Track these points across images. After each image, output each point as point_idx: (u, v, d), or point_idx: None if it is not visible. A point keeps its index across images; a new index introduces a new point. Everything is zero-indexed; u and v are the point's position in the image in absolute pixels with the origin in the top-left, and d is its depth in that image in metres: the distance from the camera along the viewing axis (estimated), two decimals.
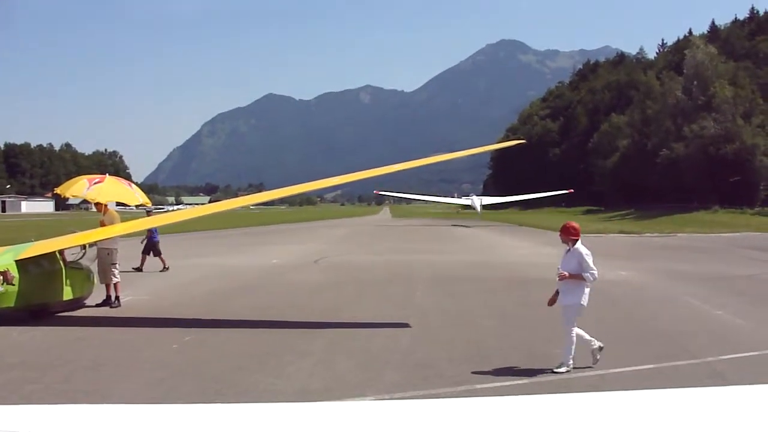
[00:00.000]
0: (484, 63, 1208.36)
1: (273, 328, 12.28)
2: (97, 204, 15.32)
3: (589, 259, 9.34)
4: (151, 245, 22.49)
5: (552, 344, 10.42)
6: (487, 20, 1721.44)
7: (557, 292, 9.51)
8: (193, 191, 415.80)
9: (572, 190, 79.60)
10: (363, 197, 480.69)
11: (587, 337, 9.34)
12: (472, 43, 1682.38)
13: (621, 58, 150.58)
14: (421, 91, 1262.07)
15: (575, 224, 9.76)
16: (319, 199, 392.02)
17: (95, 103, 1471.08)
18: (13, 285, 12.21)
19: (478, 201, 76.50)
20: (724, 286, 18.24)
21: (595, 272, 9.40)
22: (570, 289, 9.37)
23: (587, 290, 9.40)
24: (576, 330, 9.25)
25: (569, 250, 9.54)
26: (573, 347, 9.15)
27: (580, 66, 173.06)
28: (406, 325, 12.14)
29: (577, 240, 9.50)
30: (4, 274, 12.06)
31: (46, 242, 13.90)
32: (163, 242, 22.62)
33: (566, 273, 9.30)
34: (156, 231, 22.75)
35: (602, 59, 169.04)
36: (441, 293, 16.82)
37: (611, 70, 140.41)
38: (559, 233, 9.75)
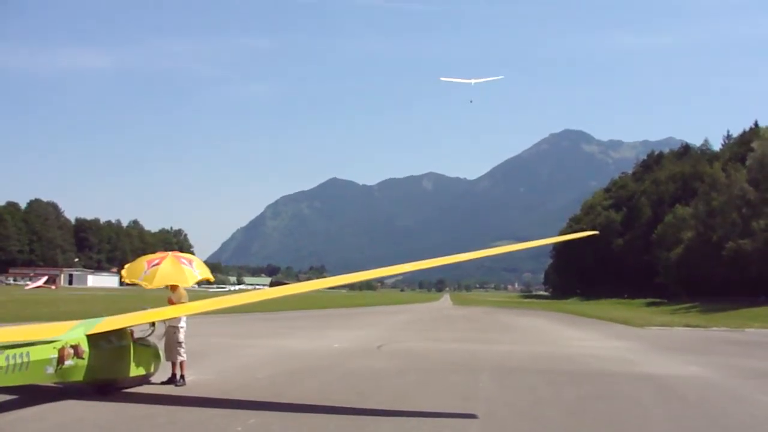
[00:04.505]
0: (547, 152, 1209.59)
1: (337, 414, 12.14)
2: None
3: None
4: None
5: None
6: (551, 110, 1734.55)
7: None
8: (255, 272, 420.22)
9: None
10: (423, 283, 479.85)
11: None
12: (536, 132, 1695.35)
13: (685, 149, 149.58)
14: (484, 179, 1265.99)
15: None
16: (379, 284, 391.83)
17: (163, 183, 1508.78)
18: (83, 359, 12.35)
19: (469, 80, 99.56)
20: None
21: None
22: None
23: None
24: None
25: None
26: None
27: (644, 157, 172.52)
28: (473, 416, 11.92)
29: None
30: (75, 348, 12.20)
31: (116, 318, 14.07)
32: (227, 322, 22.66)
33: None
34: None
35: (666, 150, 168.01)
36: (506, 384, 16.51)
37: (675, 162, 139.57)
38: None
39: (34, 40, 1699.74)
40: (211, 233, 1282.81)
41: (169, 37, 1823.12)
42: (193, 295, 16.25)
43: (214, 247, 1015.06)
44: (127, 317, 14.17)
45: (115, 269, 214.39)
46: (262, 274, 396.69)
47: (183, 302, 15.02)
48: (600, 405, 13.55)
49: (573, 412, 12.85)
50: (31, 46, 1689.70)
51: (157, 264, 15.13)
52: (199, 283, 17.47)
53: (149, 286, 14.92)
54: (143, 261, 15.58)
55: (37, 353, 11.51)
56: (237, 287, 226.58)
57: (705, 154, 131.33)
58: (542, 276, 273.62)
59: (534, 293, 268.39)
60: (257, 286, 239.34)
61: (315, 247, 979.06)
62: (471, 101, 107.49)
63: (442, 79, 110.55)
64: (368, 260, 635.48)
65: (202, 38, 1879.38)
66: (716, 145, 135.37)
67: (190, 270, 15.45)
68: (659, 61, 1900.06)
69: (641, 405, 13.80)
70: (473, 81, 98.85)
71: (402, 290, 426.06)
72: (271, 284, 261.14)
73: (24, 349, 11.34)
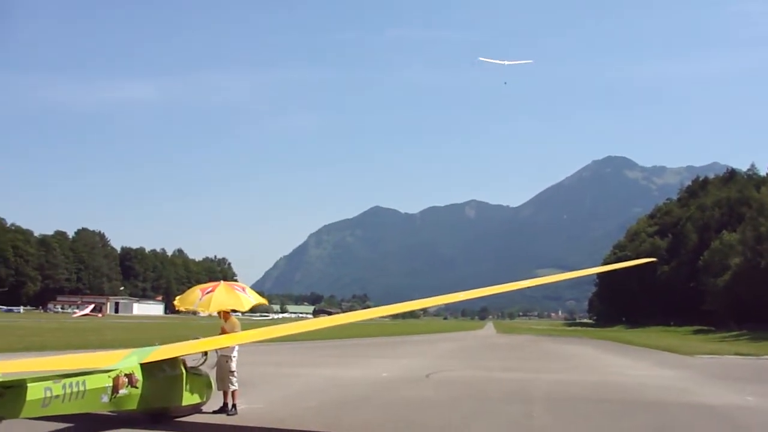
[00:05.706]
0: (589, 179, 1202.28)
1: None
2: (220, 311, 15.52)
3: None
4: None
5: None
6: (594, 137, 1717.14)
7: None
8: (298, 300, 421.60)
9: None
10: (466, 311, 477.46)
11: None
12: (578, 159, 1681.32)
13: (731, 174, 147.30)
14: (527, 206, 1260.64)
15: None
16: (422, 312, 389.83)
17: (207, 212, 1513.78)
18: (137, 388, 12.39)
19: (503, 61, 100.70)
20: None
21: None
22: None
23: None
24: None
25: None
26: None
27: (689, 182, 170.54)
28: None
29: None
30: (129, 376, 12.25)
31: (170, 347, 14.10)
32: (274, 350, 22.67)
33: None
34: None
35: (711, 175, 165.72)
36: (560, 413, 16.28)
37: (721, 187, 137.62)
38: None
39: (81, 71, 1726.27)
40: (254, 262, 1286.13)
41: (213, 70, 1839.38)
42: (257, 326, 16.28)
43: (258, 275, 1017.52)
44: (180, 346, 14.21)
45: (160, 297, 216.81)
46: (305, 303, 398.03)
47: (236, 332, 15.08)
48: None
49: None
50: (78, 77, 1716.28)
51: (211, 291, 15.28)
52: (242, 312, 17.53)
53: (206, 312, 15.09)
54: (197, 289, 15.74)
55: (93, 382, 11.58)
56: (280, 316, 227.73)
57: (752, 178, 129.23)
58: (585, 304, 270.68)
59: (578, 321, 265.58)
60: (301, 315, 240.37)
61: (357, 275, 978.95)
62: (505, 83, 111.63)
63: (480, 59, 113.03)
64: (410, 288, 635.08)
65: (246, 70, 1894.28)
66: (763, 170, 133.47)
67: (245, 296, 15.59)
68: (703, 86, 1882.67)
69: None
70: (506, 62, 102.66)
71: (445, 318, 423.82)
72: (315, 312, 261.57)
73: (80, 378, 11.41)
